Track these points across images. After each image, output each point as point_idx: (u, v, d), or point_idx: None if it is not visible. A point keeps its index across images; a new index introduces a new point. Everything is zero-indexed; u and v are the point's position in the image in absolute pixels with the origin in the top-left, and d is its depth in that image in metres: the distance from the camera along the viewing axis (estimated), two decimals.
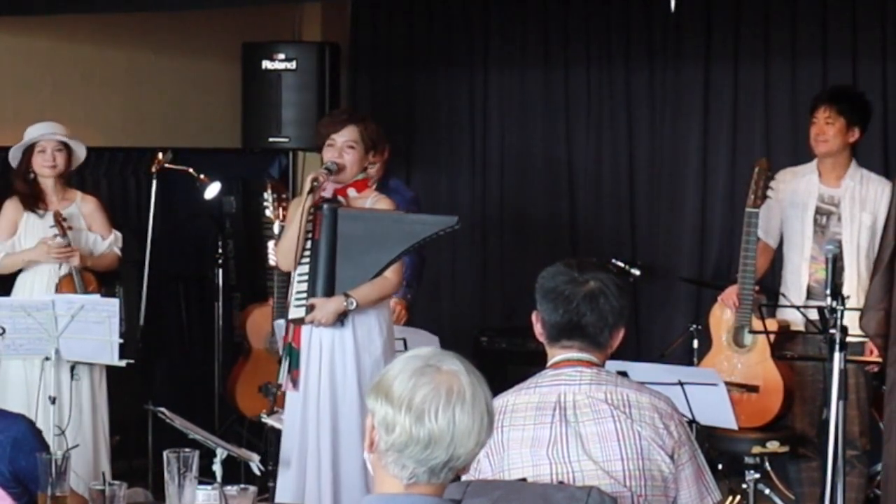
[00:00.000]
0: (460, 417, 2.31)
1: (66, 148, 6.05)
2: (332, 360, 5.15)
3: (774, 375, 5.67)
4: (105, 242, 6.17)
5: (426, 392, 2.31)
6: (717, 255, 7.36)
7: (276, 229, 5.78)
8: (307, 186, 5.13)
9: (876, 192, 5.70)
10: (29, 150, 6.02)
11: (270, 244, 5.80)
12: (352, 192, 5.24)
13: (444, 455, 2.31)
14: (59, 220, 5.92)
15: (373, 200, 5.26)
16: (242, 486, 3.52)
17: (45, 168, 6.00)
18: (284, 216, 5.78)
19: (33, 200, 6.02)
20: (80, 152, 6.14)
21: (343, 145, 5.20)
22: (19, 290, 6.02)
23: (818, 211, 5.77)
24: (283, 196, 5.85)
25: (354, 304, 5.11)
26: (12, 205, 6.07)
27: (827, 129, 5.74)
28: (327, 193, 5.20)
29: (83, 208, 6.15)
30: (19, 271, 6.03)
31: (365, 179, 5.30)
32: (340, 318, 5.13)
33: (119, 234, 6.23)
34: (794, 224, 5.81)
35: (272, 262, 5.85)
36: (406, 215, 5.34)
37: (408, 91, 8.06)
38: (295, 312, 5.21)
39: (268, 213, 5.81)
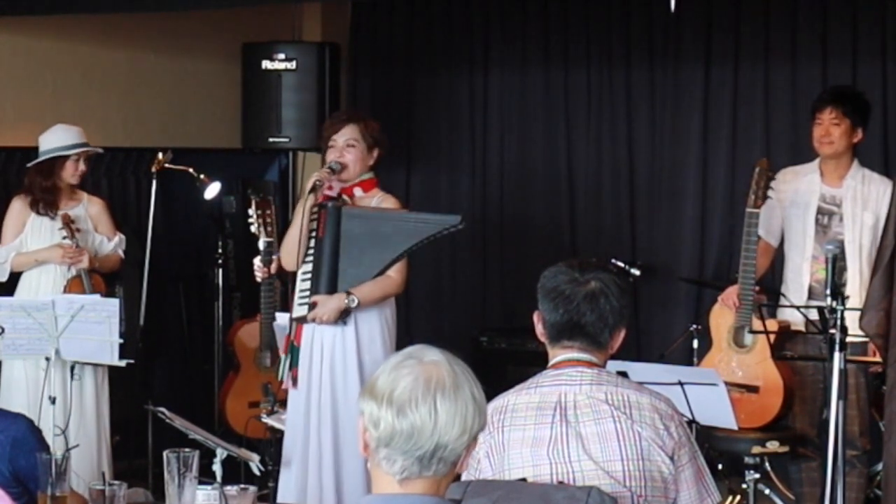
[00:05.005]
0: (441, 406, 2.31)
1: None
2: (333, 359, 5.16)
3: (775, 376, 5.66)
4: (110, 244, 6.20)
5: (406, 384, 2.32)
6: (717, 255, 7.36)
7: (260, 245, 5.75)
8: (308, 186, 5.15)
9: (878, 192, 5.69)
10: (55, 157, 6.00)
11: (256, 261, 5.74)
12: (358, 191, 5.27)
13: (429, 444, 2.31)
14: (68, 223, 5.94)
15: (378, 200, 5.29)
16: (242, 486, 3.52)
17: (74, 176, 6.02)
18: (269, 232, 5.79)
19: (46, 204, 6.01)
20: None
21: (344, 145, 5.24)
22: (24, 288, 6.02)
23: (820, 211, 5.76)
24: (268, 212, 5.84)
25: (356, 301, 5.12)
26: (19, 204, 6.08)
27: (833, 131, 5.71)
28: (333, 192, 5.23)
29: (90, 209, 6.17)
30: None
31: (371, 179, 5.32)
32: (343, 317, 5.14)
33: (123, 237, 6.26)
34: (795, 224, 5.80)
35: (258, 278, 5.81)
36: (409, 214, 5.36)
37: (408, 91, 8.05)
38: (298, 311, 5.21)
39: (252, 229, 5.78)
